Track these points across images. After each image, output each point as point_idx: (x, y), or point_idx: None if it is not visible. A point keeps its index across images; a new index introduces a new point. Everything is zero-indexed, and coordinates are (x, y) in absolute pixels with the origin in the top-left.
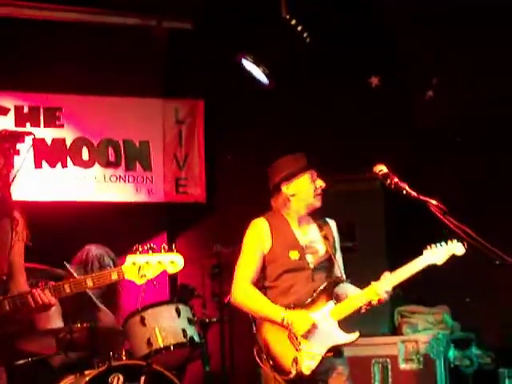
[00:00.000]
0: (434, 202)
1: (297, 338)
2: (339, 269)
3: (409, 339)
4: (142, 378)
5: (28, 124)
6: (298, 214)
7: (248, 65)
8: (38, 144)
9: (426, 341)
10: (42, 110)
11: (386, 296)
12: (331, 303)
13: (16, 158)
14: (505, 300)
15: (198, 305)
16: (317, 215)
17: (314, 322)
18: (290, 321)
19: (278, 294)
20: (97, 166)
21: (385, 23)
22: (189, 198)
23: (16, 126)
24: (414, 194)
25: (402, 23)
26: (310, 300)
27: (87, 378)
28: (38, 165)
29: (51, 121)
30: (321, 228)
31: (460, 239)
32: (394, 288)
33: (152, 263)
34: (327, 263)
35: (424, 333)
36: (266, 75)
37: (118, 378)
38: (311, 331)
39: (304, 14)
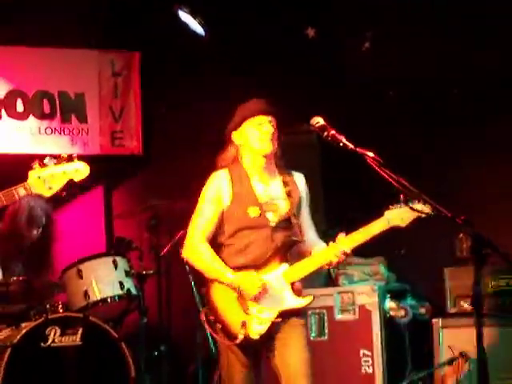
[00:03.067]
0: (370, 154)
1: (246, 301)
2: (299, 229)
3: (345, 290)
4: (80, 330)
5: None
6: (257, 166)
7: (184, 16)
8: None
9: (362, 292)
10: None
11: (343, 257)
12: (285, 265)
13: None
14: (439, 251)
15: (135, 257)
16: (285, 168)
17: (265, 285)
18: (238, 284)
19: (233, 252)
20: (32, 118)
21: None
22: (125, 151)
23: None
24: (350, 146)
25: None
26: (263, 261)
27: (24, 331)
28: None
29: None
30: (286, 184)
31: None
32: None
33: (56, 175)
34: (288, 222)
35: (360, 284)
36: (203, 26)
37: (55, 331)
38: (261, 294)
39: None
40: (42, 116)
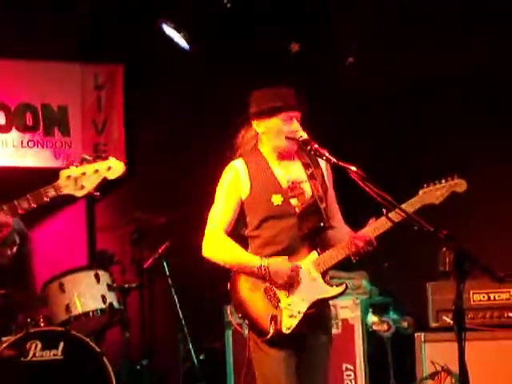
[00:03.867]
0: (353, 168)
1: (275, 294)
2: (324, 214)
3: None
4: (61, 344)
5: None
6: (275, 154)
7: (168, 30)
8: None
9: (345, 306)
10: None
11: (363, 245)
12: (314, 253)
13: None
14: (422, 265)
15: (117, 271)
16: (303, 153)
17: (296, 267)
18: (268, 267)
19: (260, 244)
20: (14, 130)
21: None
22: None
23: None
24: (333, 160)
25: None
26: (291, 250)
27: (4, 345)
28: None
29: None
30: (306, 165)
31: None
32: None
33: (88, 173)
34: (315, 207)
35: (343, 298)
36: (187, 40)
37: (36, 345)
38: (294, 280)
39: None
40: (24, 129)
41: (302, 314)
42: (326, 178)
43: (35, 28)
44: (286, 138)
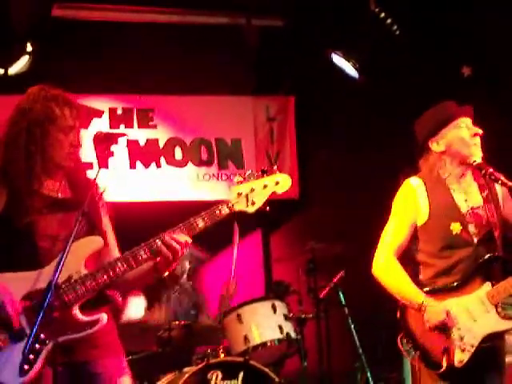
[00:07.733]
0: None
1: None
2: (498, 242)
3: None
4: (241, 374)
5: (122, 125)
6: (456, 174)
7: (338, 60)
8: (132, 145)
9: None
10: (135, 112)
11: None
12: (488, 285)
13: (110, 159)
14: None
15: (293, 301)
16: (478, 171)
17: (448, 313)
18: (424, 309)
19: (434, 274)
20: (190, 165)
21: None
22: (281, 195)
23: (110, 127)
24: (510, 184)
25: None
26: (465, 281)
27: (186, 375)
28: (132, 166)
29: (144, 122)
30: (483, 188)
31: None
32: None
33: (258, 189)
34: (490, 235)
35: None
36: (357, 70)
37: (217, 375)
38: (447, 325)
39: (393, 6)
40: (199, 163)
41: (475, 348)
42: (501, 200)
43: (208, 64)
44: (460, 163)
